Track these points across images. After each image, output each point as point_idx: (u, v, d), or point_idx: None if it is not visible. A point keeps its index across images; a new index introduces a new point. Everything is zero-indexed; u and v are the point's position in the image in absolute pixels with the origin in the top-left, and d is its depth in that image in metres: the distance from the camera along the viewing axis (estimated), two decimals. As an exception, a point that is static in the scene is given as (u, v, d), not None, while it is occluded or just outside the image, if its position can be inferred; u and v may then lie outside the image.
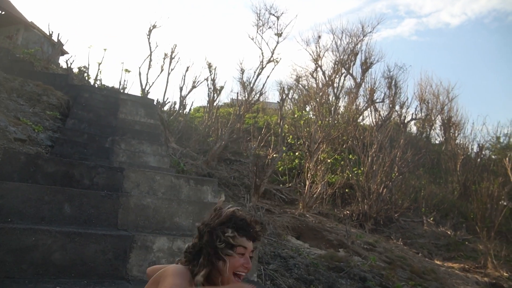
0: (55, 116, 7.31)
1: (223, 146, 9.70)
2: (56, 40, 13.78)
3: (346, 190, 11.08)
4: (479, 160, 15.04)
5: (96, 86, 12.66)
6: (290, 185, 10.06)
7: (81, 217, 3.43)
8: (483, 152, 15.69)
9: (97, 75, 13.74)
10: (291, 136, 12.01)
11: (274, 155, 9.76)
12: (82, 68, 14.00)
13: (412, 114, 17.28)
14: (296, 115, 12.09)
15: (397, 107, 14.66)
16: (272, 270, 4.71)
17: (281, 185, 10.19)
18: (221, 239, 1.78)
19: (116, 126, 7.27)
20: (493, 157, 15.79)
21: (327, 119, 10.90)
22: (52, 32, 14.91)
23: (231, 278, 1.78)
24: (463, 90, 42.66)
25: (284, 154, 10.47)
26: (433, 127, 18.60)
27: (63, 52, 15.54)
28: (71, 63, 12.64)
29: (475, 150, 16.17)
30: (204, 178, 4.88)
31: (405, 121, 14.41)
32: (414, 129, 18.38)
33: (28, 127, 6.29)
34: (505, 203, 11.05)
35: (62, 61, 14.89)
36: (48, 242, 2.91)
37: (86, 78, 13.45)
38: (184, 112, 12.24)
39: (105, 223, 3.45)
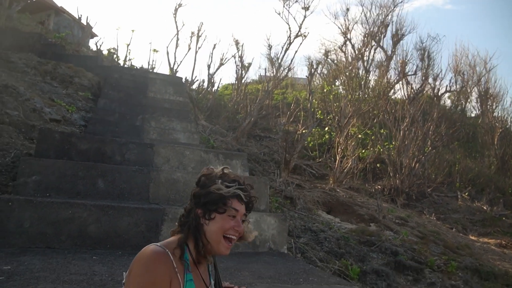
0: (87, 97, 7.50)
1: (252, 123, 9.69)
2: (85, 24, 14.01)
3: (377, 165, 10.92)
4: (519, 133, 14.46)
5: (125, 66, 12.84)
6: (320, 160, 9.99)
7: (114, 192, 3.53)
8: (524, 125, 15.07)
9: (126, 56, 13.94)
10: (320, 111, 11.86)
11: (304, 131, 9.67)
12: (111, 49, 14.23)
13: (446, 86, 16.64)
14: (325, 90, 11.90)
15: (430, 80, 14.14)
16: (302, 243, 4.73)
17: (311, 160, 10.13)
18: (210, 194, 1.69)
19: (145, 105, 7.39)
20: (534, 130, 15.12)
21: (357, 93, 10.68)
22: (81, 15, 15.20)
23: (221, 241, 1.69)
24: (502, 59, 40.66)
25: (313, 129, 10.37)
26: (468, 100, 17.90)
27: (92, 35, 15.79)
28: (100, 45, 12.89)
29: (515, 123, 15.54)
30: (233, 152, 4.91)
31: (439, 94, 13.93)
32: (448, 102, 17.77)
33: (62, 108, 6.48)
34: (545, 177, 10.64)
35: (91, 43, 15.17)
36: (84, 215, 3.02)
37: (116, 59, 13.66)
38: (213, 90, 12.27)
39: (137, 197, 3.55)
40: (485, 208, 10.43)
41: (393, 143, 10.86)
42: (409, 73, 13.08)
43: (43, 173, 3.46)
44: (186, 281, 1.65)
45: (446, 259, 5.95)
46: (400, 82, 12.84)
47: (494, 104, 17.09)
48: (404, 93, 12.56)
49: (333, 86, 12.46)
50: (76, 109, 6.71)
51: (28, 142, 4.95)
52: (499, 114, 16.60)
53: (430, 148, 10.85)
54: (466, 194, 11.05)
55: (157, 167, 4.08)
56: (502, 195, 11.43)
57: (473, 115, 17.75)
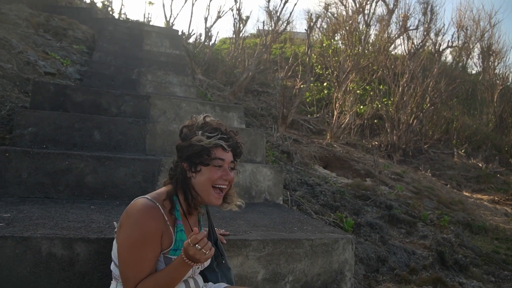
0: (82, 50, 7.36)
1: (250, 77, 9.56)
2: (78, -27, 13.49)
3: (375, 121, 10.92)
4: (519, 91, 14.33)
5: (120, 19, 12.53)
6: (318, 115, 9.98)
7: (111, 144, 3.53)
8: (524, 83, 14.90)
9: (121, 9, 13.65)
10: (319, 66, 11.72)
11: (302, 86, 9.57)
12: (105, 2, 13.81)
13: (448, 42, 16.36)
14: (324, 44, 11.69)
15: (432, 35, 13.83)
16: (298, 196, 4.80)
17: (308, 115, 10.12)
18: (192, 146, 1.66)
19: (141, 58, 7.28)
20: (535, 87, 14.98)
21: (356, 48, 10.50)
22: (74, -36, 14.57)
23: (211, 192, 1.68)
24: (508, 14, 39.63)
25: (311, 84, 10.27)
26: (470, 56, 17.59)
27: (86, -14, 15.25)
28: (94, -3, 12.45)
29: (515, 80, 15.37)
30: (229, 105, 4.89)
31: (440, 50, 13.65)
32: (449, 58, 17.49)
33: (56, 61, 6.39)
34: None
35: (85, -6, 14.68)
36: (81, 166, 3.03)
37: (110, 12, 13.30)
38: (210, 44, 12.02)
39: (133, 149, 3.56)
40: (480, 165, 10.54)
41: (392, 99, 10.81)
42: (411, 28, 12.80)
43: (39, 125, 3.45)
44: (177, 231, 1.66)
45: (439, 214, 6.08)
46: (401, 37, 12.60)
47: (496, 60, 16.84)
48: (404, 49, 12.38)
49: (332, 40, 12.24)
50: (70, 62, 6.61)
51: (23, 96, 4.91)
52: (501, 71, 16.41)
53: (428, 105, 10.81)
54: (463, 151, 11.13)
55: (153, 119, 4.06)
56: (498, 153, 11.53)
57: (474, 72, 17.54)
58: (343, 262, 2.47)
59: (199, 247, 1.46)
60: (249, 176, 3.45)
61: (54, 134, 3.46)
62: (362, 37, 11.08)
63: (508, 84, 15.21)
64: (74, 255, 1.99)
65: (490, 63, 16.74)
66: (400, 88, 10.51)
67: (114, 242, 1.66)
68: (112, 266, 1.70)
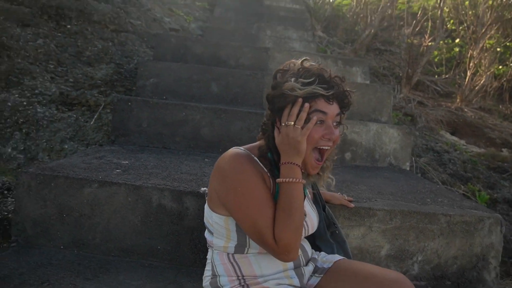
0: (204, 7, 7.51)
1: (372, 35, 8.86)
2: None
3: (515, 83, 9.46)
4: None
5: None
6: (447, 76, 8.93)
7: (227, 96, 3.46)
8: None
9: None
10: (451, 21, 10.39)
11: (430, 43, 8.60)
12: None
13: None
14: (461, -4, 10.30)
15: None
16: (424, 163, 4.33)
17: (436, 76, 9.12)
18: (284, 96, 1.30)
19: (261, 13, 7.17)
20: None
21: (500, -1, 9.04)
22: None
23: (311, 157, 1.33)
24: None
25: (441, 42, 9.17)
26: None
27: None
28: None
29: None
30: (353, 59, 4.51)
31: None
32: None
33: (180, 17, 6.61)
34: None
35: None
36: (197, 117, 2.99)
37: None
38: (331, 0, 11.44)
39: (250, 102, 3.43)
40: None
41: (541, 57, 9.21)
42: None
43: (160, 76, 3.51)
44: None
45: None
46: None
47: None
48: None
49: (471, -9, 10.73)
50: (193, 18, 6.80)
51: (149, 50, 5.13)
52: None
53: None
54: None
55: (272, 72, 3.90)
56: None
57: None
58: (488, 246, 2.05)
59: (290, 122, 1.24)
60: (373, 137, 3.11)
61: (174, 86, 3.49)
62: (510, -14, 9.49)
63: None
64: (183, 209, 1.91)
65: None
66: (555, 45, 8.87)
67: (206, 207, 1.45)
68: (206, 233, 1.51)
